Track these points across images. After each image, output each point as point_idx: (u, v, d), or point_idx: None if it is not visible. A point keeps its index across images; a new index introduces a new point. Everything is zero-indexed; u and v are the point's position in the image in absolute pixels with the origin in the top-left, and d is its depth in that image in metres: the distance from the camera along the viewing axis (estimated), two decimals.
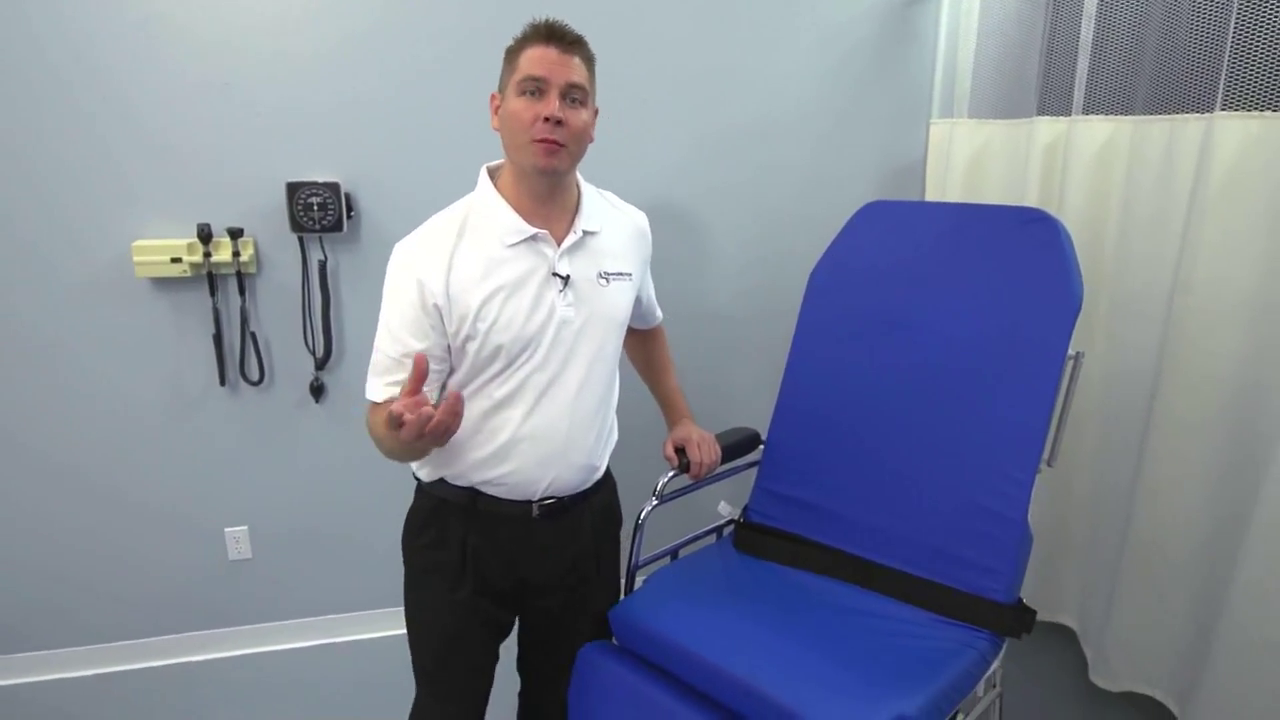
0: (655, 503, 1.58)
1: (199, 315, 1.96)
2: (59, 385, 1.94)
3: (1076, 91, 1.91)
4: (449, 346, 1.25)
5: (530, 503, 1.33)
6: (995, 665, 1.41)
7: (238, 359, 2.00)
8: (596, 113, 1.30)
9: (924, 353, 1.54)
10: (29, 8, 1.74)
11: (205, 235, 1.88)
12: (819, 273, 1.73)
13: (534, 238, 1.26)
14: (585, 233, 1.31)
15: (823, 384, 1.67)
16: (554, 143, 1.20)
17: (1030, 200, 2.03)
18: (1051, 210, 1.97)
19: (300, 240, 1.97)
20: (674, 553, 1.67)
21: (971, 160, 2.21)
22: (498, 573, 1.36)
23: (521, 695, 1.52)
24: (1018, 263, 1.46)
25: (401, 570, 1.43)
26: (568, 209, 1.32)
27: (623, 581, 1.58)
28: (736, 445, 1.68)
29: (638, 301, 1.50)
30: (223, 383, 2.01)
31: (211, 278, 1.93)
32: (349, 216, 1.95)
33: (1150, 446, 1.74)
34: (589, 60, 1.27)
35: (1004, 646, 1.41)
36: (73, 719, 1.98)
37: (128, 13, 1.78)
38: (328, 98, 1.91)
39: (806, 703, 1.19)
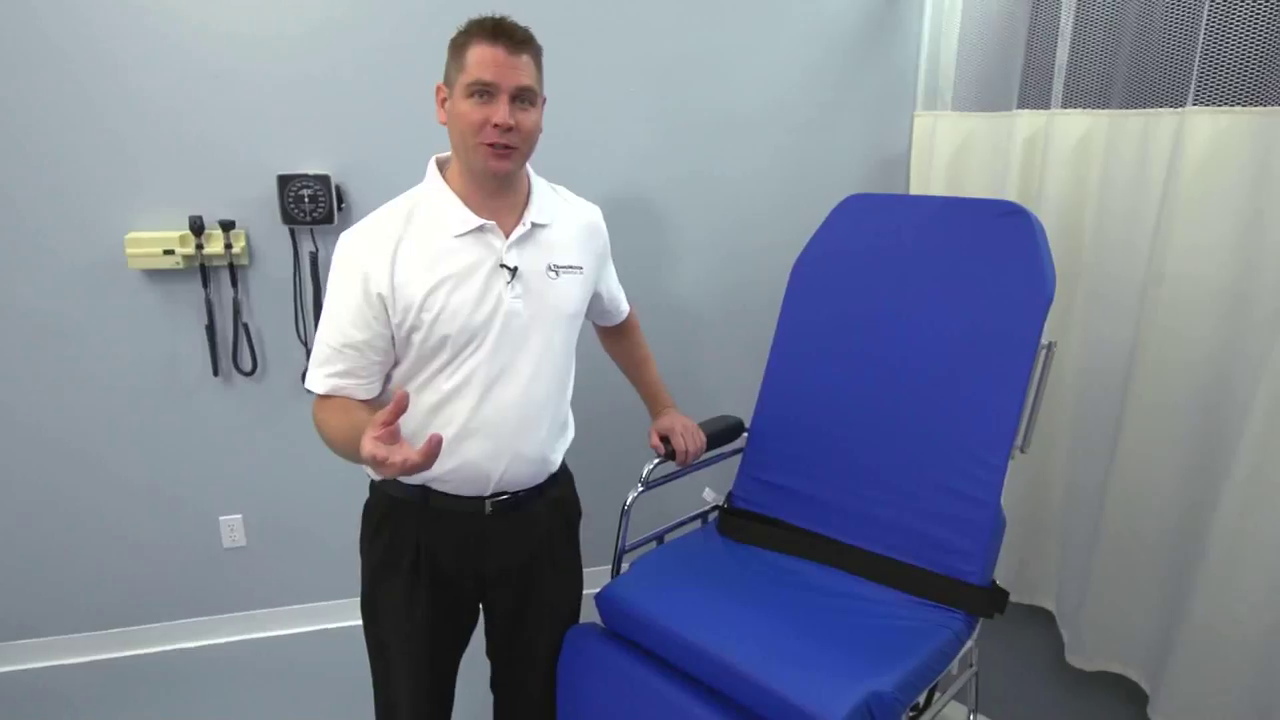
0: (641, 489, 1.62)
1: (192, 306, 1.98)
2: (53, 378, 1.96)
3: (1056, 85, 1.95)
4: (392, 338, 1.24)
5: (482, 499, 1.32)
6: (970, 644, 1.46)
7: (230, 349, 2.03)
8: (545, 100, 1.29)
9: (902, 343, 1.58)
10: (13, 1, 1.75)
11: (197, 227, 1.91)
12: (802, 264, 1.77)
13: (481, 229, 1.25)
14: (534, 225, 1.30)
15: (805, 373, 1.71)
16: (505, 147, 1.21)
17: (1011, 191, 2.07)
18: (1032, 201, 2.01)
19: (292, 232, 1.99)
20: (660, 538, 1.71)
21: (955, 152, 2.24)
22: (453, 568, 1.35)
23: (491, 681, 1.53)
24: (992, 255, 1.49)
25: None
26: (517, 201, 1.31)
27: (611, 566, 1.63)
28: (721, 433, 1.71)
29: (599, 297, 1.50)
30: (216, 373, 2.03)
31: (204, 269, 1.96)
32: (340, 208, 1.98)
33: (1124, 434, 1.79)
34: (537, 55, 1.25)
35: (978, 626, 1.45)
36: (69, 705, 2.01)
37: (121, 6, 1.79)
38: (318, 91, 1.93)
39: (785, 681, 1.23)
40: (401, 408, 1.04)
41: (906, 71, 2.32)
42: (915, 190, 2.37)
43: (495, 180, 1.25)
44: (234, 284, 1.99)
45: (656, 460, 1.62)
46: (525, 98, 1.21)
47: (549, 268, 1.31)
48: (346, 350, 1.23)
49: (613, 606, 1.48)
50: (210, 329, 1.99)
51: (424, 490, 1.31)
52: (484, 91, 1.19)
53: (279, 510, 2.17)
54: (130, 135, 1.86)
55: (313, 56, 1.91)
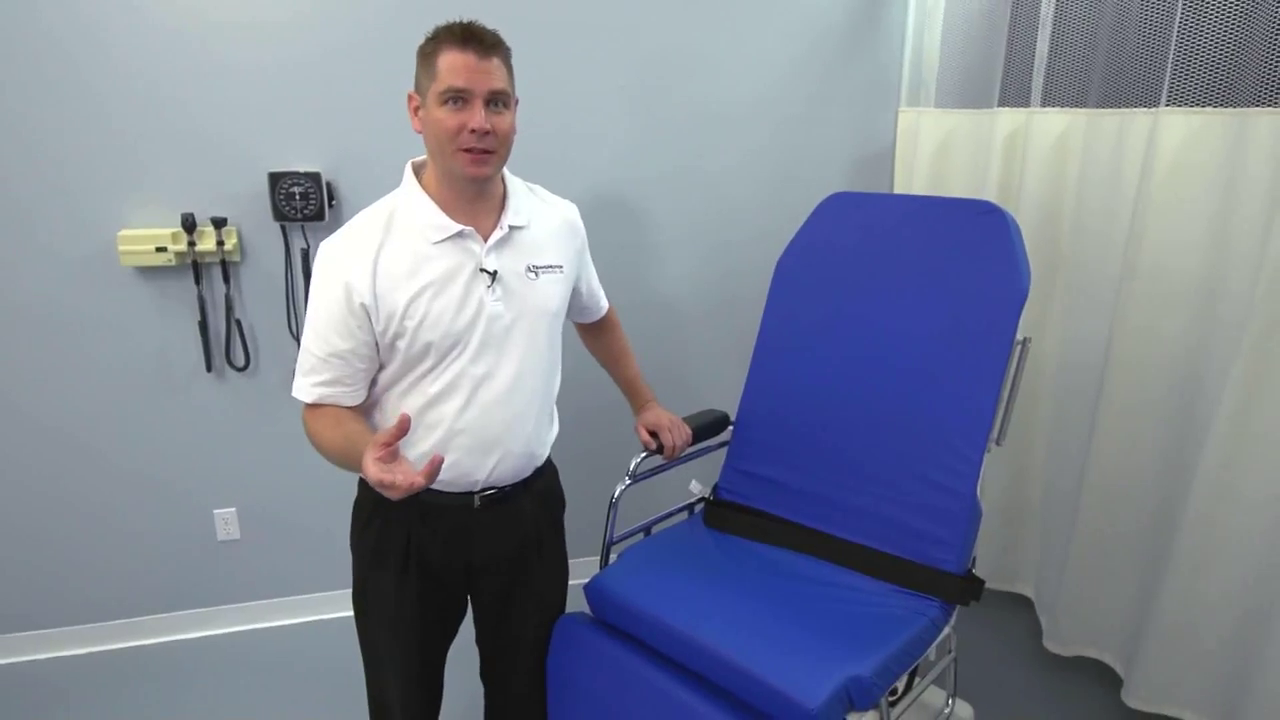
0: (629, 482, 1.65)
1: (185, 302, 2.01)
2: (48, 374, 1.99)
3: (1035, 84, 1.99)
4: (376, 345, 1.26)
5: (471, 494, 1.34)
6: (947, 631, 1.50)
7: (224, 345, 2.06)
8: (517, 102, 1.30)
9: (882, 338, 1.62)
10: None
11: (189, 225, 1.93)
12: (785, 259, 1.80)
13: (460, 234, 1.26)
14: (512, 228, 1.31)
15: (788, 367, 1.74)
16: (483, 151, 1.21)
17: (992, 187, 2.11)
18: (1012, 197, 2.06)
19: (283, 229, 2.01)
20: (647, 529, 1.75)
21: (937, 148, 2.28)
22: (442, 560, 1.37)
23: (481, 671, 1.56)
24: (970, 253, 1.53)
25: None
26: (494, 205, 1.31)
27: (599, 556, 1.66)
28: (707, 426, 1.75)
29: (577, 294, 1.51)
30: (209, 368, 2.06)
31: (196, 266, 1.98)
32: (330, 205, 2.00)
33: (1099, 428, 1.84)
34: (507, 57, 1.24)
35: (955, 613, 1.50)
36: (65, 696, 2.04)
37: (105, 5, 1.81)
38: (309, 89, 1.95)
39: (767, 666, 1.27)
40: (403, 430, 1.07)
41: (891, 68, 2.35)
42: (899, 184, 2.40)
43: (473, 185, 1.26)
44: (226, 280, 2.01)
45: (644, 454, 1.66)
46: (499, 101, 1.22)
47: (528, 269, 1.32)
48: (332, 359, 1.25)
49: (601, 596, 1.51)
50: (203, 325, 2.02)
51: None
52: (458, 98, 1.19)
53: (272, 503, 2.20)
54: (122, 133, 1.88)
55: (303, 55, 1.93)
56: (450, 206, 1.27)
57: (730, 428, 1.81)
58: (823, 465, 1.65)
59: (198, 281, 1.99)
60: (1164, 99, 1.63)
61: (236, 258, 2.00)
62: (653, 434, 1.63)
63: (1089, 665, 2.00)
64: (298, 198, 1.96)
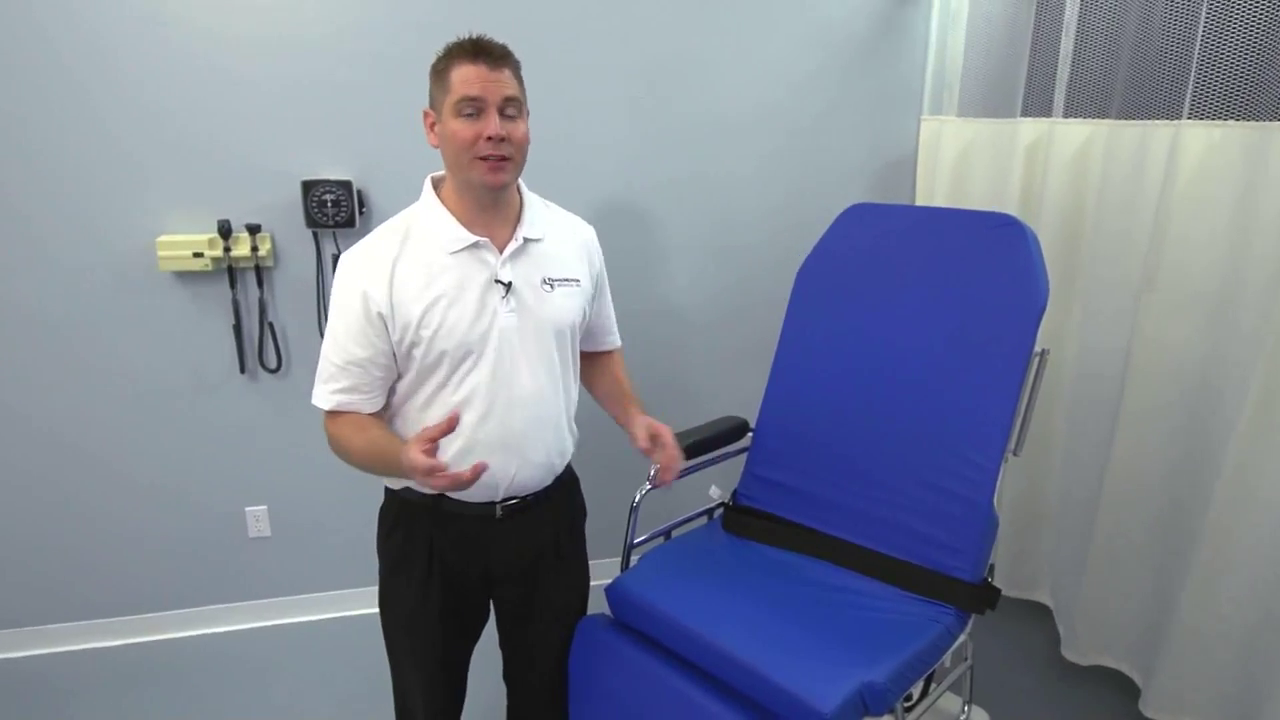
0: (649, 487, 1.68)
1: (220, 306, 2.07)
2: (89, 374, 2.05)
3: (1057, 94, 1.99)
4: (394, 354, 1.29)
5: (493, 504, 1.36)
6: (962, 639, 1.51)
7: (256, 347, 2.11)
8: (529, 113, 1.32)
9: (901, 348, 1.64)
10: (42, 15, 1.82)
11: (225, 231, 1.99)
12: (806, 269, 1.82)
13: (476, 245, 1.27)
14: (528, 240, 1.32)
15: (808, 376, 1.77)
16: (500, 158, 1.23)
17: (1013, 197, 2.12)
18: (1033, 206, 2.06)
19: (315, 235, 2.07)
20: (667, 533, 1.78)
21: (959, 156, 2.28)
22: (462, 566, 1.40)
23: (504, 673, 1.59)
24: (989, 265, 1.54)
25: None
26: (510, 217, 1.33)
27: (620, 559, 1.69)
28: (727, 433, 1.78)
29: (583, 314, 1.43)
30: (242, 370, 2.12)
31: (231, 271, 2.04)
32: (361, 213, 2.05)
33: (1117, 438, 1.84)
34: (517, 68, 1.27)
35: (970, 622, 1.51)
36: (103, 686, 2.10)
37: (147, 21, 1.87)
38: (340, 100, 2.00)
39: (783, 670, 1.29)
40: (452, 427, 1.15)
41: (913, 76, 2.35)
42: (921, 193, 2.41)
43: (491, 195, 1.28)
44: (260, 285, 2.07)
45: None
46: (513, 108, 1.25)
47: (543, 281, 1.34)
48: (350, 367, 1.28)
49: (621, 598, 1.55)
50: (237, 328, 2.07)
51: (437, 496, 1.35)
52: (472, 108, 1.22)
53: (302, 502, 2.26)
54: (161, 144, 1.94)
55: (335, 69, 1.98)
56: (467, 218, 1.29)
57: (750, 434, 1.83)
58: (841, 473, 1.67)
59: (232, 286, 2.05)
60: (1186, 111, 1.64)
61: (270, 263, 2.06)
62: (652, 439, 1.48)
63: (1107, 674, 2.00)
64: (329, 205, 2.01)
